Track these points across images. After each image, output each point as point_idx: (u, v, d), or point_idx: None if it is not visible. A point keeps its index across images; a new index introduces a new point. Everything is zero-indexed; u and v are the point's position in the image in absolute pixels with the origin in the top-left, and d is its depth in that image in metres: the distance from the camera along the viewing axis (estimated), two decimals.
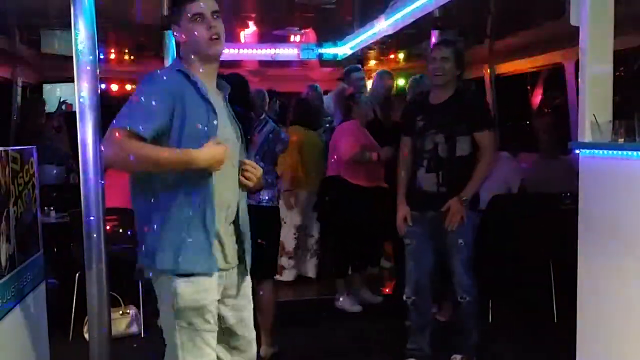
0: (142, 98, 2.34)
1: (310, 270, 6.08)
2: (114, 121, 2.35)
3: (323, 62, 8.25)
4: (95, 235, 3.08)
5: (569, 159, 5.28)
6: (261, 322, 4.02)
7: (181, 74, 2.43)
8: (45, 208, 5.25)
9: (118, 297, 4.46)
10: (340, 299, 5.23)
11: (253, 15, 6.33)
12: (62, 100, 7.93)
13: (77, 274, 4.38)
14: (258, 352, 4.06)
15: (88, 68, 3.00)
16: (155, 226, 2.38)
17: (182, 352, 2.46)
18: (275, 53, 7.41)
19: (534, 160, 5.80)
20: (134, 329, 4.55)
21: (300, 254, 6.05)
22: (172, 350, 2.51)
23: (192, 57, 2.47)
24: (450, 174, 3.65)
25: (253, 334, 2.72)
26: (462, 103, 3.65)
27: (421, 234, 3.78)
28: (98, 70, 3.07)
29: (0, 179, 2.58)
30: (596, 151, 2.81)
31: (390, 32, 6.00)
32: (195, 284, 2.38)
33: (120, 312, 4.52)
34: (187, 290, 2.38)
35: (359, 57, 7.95)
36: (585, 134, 2.88)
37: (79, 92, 3.01)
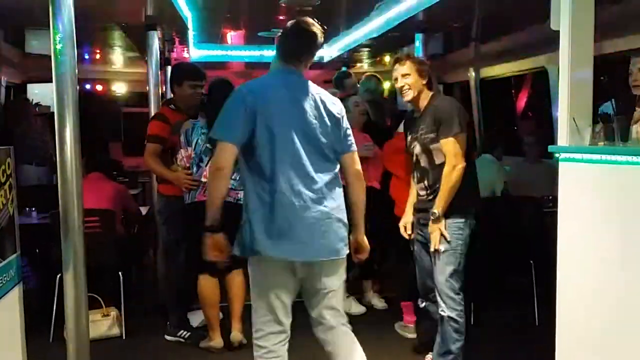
0: None
1: None
2: None
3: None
4: (73, 237, 3.09)
5: (552, 163, 5.30)
6: (232, 309, 4.28)
7: None
8: (27, 208, 5.23)
9: (99, 298, 4.43)
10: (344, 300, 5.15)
11: (239, 17, 6.33)
12: (34, 102, 7.93)
13: (58, 276, 4.35)
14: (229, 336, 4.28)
15: (66, 68, 3.00)
16: None
17: None
18: (261, 54, 7.39)
19: (518, 164, 5.83)
20: (115, 331, 4.52)
21: None
22: None
23: None
24: (434, 183, 3.65)
25: None
26: (433, 112, 3.65)
27: (420, 240, 3.81)
28: (77, 70, 3.07)
29: None
30: (575, 155, 2.81)
31: (376, 34, 6.03)
32: None
33: (101, 314, 4.48)
34: None
35: (345, 60, 7.97)
36: (565, 138, 2.89)
37: (57, 93, 3.01)
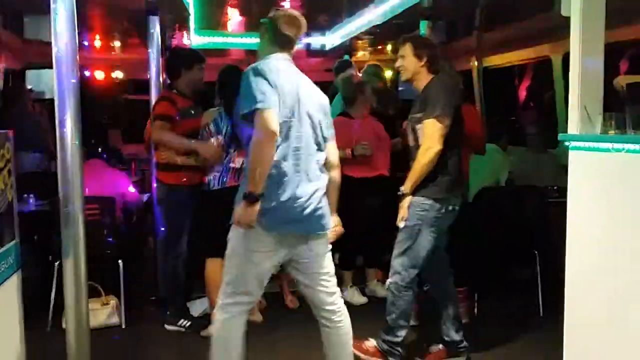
0: None
1: None
2: None
3: (310, 52, 8.15)
4: (73, 225, 3.04)
5: (556, 152, 5.26)
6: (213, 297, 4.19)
7: None
8: (25, 195, 5.17)
9: (98, 287, 4.38)
10: (345, 292, 5.01)
11: (240, 3, 6.25)
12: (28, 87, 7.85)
13: (57, 264, 4.31)
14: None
15: (67, 52, 2.94)
16: None
17: None
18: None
19: (521, 154, 5.78)
20: (114, 319, 4.47)
21: None
22: None
23: None
24: None
25: None
26: (424, 93, 3.70)
27: None
28: (78, 56, 3.01)
29: None
30: (586, 144, 2.76)
31: (379, 22, 5.95)
32: None
33: (101, 303, 4.44)
34: None
35: (347, 48, 7.89)
36: (575, 127, 2.83)
37: (58, 78, 2.95)
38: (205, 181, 4.19)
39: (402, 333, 3.78)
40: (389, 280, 3.75)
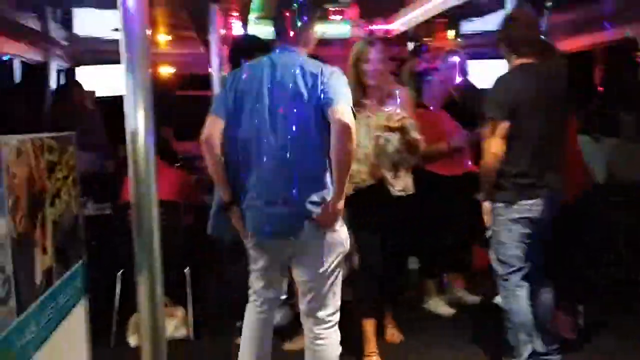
0: None
1: None
2: None
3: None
4: (147, 234, 2.71)
5: None
6: None
7: None
8: (82, 198, 4.89)
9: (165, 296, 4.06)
10: (429, 300, 4.72)
11: None
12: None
13: (119, 273, 4.02)
14: None
15: (138, 44, 2.61)
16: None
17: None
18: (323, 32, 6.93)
19: (615, 145, 5.27)
20: (182, 332, 4.16)
21: None
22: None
23: None
24: None
25: None
26: None
27: None
28: (149, 50, 2.69)
29: (33, 174, 2.11)
30: None
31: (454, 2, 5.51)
32: None
33: (167, 314, 4.11)
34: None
35: (411, 36, 7.45)
36: None
37: (128, 75, 2.62)
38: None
39: (528, 350, 3.42)
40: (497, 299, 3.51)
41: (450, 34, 8.23)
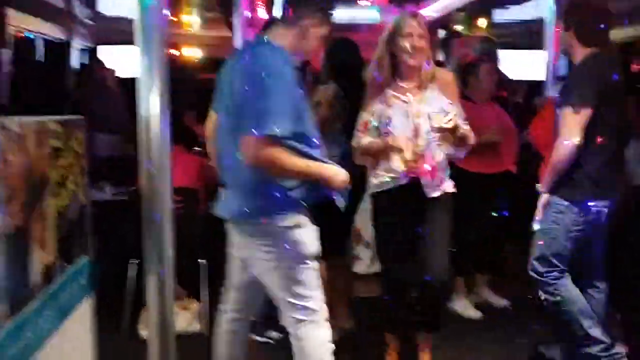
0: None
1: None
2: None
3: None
4: (159, 223, 2.55)
5: None
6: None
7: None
8: (100, 182, 4.75)
9: (179, 288, 3.90)
10: (456, 300, 4.49)
11: None
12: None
13: (131, 262, 3.85)
14: None
15: (155, 27, 2.42)
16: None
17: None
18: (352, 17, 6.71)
19: None
20: (196, 326, 4.00)
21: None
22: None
23: None
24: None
25: None
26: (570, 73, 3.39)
27: None
28: (166, 30, 2.50)
29: (32, 162, 1.89)
30: None
31: None
32: None
33: (181, 307, 3.96)
34: None
35: (442, 22, 7.20)
36: None
37: (143, 56, 2.44)
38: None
39: (596, 333, 3.23)
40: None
41: (482, 22, 7.97)
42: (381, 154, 3.28)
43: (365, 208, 4.86)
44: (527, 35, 7.08)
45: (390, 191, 3.28)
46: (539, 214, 3.29)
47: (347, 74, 3.81)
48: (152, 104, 2.43)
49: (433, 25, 7.22)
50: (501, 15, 7.67)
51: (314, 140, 2.72)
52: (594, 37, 3.12)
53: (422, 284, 3.31)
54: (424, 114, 3.20)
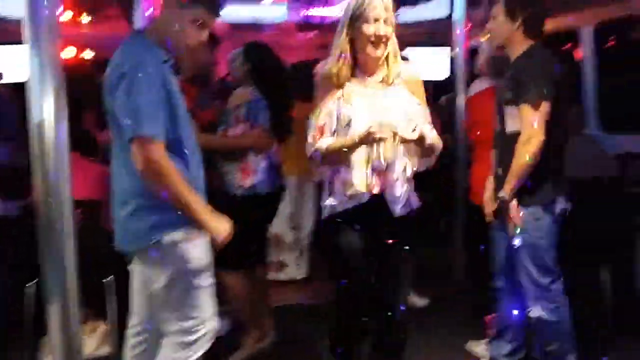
0: None
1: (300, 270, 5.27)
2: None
3: (301, 26, 7.34)
4: (58, 243, 2.28)
5: None
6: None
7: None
8: None
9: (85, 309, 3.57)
10: None
11: None
12: None
13: (31, 286, 3.48)
14: None
15: (46, 27, 2.18)
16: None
17: None
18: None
19: None
20: (106, 349, 3.68)
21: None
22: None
23: None
24: (502, 156, 3.09)
25: None
26: (515, 67, 3.07)
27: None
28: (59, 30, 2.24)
29: None
30: None
31: None
32: None
33: (88, 329, 3.65)
34: None
35: None
36: None
37: (33, 57, 2.17)
38: (245, 183, 3.62)
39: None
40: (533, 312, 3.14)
41: None
42: (345, 159, 2.78)
43: (283, 212, 4.74)
44: (432, 34, 7.07)
45: (348, 211, 2.83)
46: (516, 226, 3.03)
47: (266, 76, 3.77)
48: (45, 108, 2.15)
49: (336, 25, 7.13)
50: (405, 14, 7.64)
51: (191, 148, 2.54)
52: (539, 29, 3.07)
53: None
54: (392, 111, 2.77)
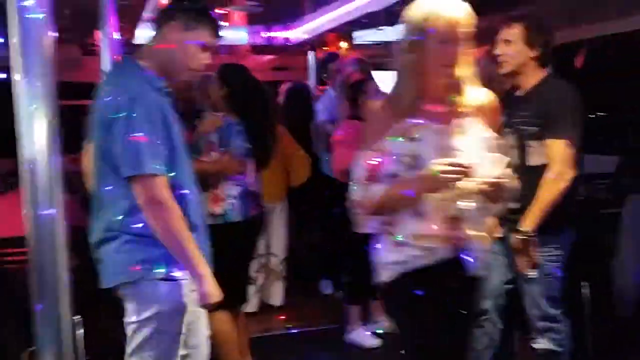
0: None
1: (275, 297, 5.13)
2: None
3: (257, 48, 7.27)
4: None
5: None
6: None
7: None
8: None
9: None
10: (353, 331, 4.32)
11: None
12: None
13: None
14: None
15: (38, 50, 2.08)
16: None
17: None
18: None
19: None
20: None
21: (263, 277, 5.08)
22: None
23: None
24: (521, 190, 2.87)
25: None
26: (541, 99, 2.92)
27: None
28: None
29: None
30: None
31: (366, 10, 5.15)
32: None
33: None
34: None
35: (312, 43, 7.08)
36: None
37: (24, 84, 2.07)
38: (214, 211, 3.39)
39: None
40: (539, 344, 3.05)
41: (343, 44, 7.95)
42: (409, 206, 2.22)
43: None
44: (388, 57, 7.04)
45: (419, 270, 2.25)
46: (534, 259, 2.88)
47: (247, 100, 3.63)
48: (40, 140, 2.03)
49: (303, 47, 7.11)
50: (361, 37, 7.64)
51: (190, 187, 2.41)
52: (550, 58, 3.00)
53: None
54: (467, 151, 2.21)
